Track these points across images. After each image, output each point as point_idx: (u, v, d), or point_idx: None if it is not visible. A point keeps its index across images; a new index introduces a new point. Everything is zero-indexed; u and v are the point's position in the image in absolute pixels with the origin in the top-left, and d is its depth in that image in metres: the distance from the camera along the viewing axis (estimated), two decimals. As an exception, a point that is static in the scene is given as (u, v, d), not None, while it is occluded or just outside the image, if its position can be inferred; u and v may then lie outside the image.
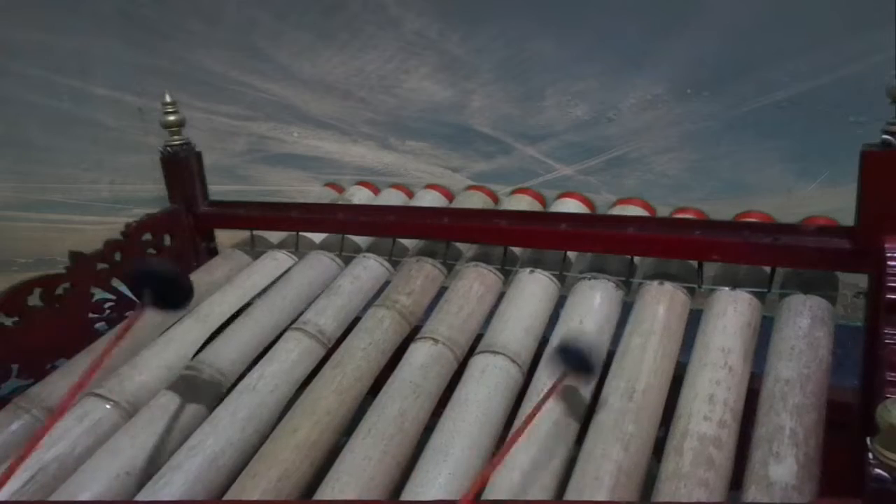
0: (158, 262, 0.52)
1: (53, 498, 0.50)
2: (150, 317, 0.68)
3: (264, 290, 0.71)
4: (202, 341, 0.64)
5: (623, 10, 1.06)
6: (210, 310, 0.68)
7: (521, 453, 0.48)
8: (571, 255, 0.67)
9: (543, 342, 0.59)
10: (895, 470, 0.31)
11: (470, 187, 0.82)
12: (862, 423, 0.49)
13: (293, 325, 0.64)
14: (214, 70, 1.29)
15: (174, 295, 0.50)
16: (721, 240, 0.57)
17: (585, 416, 0.51)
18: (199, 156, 0.80)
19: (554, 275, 0.64)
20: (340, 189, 0.90)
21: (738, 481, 0.45)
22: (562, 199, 0.74)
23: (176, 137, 0.78)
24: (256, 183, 1.36)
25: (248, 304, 0.69)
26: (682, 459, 0.45)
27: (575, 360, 0.47)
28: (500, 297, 0.64)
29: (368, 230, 0.75)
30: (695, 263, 0.59)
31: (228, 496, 0.49)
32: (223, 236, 0.82)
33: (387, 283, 0.70)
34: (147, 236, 0.76)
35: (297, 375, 0.60)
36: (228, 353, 0.62)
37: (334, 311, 0.66)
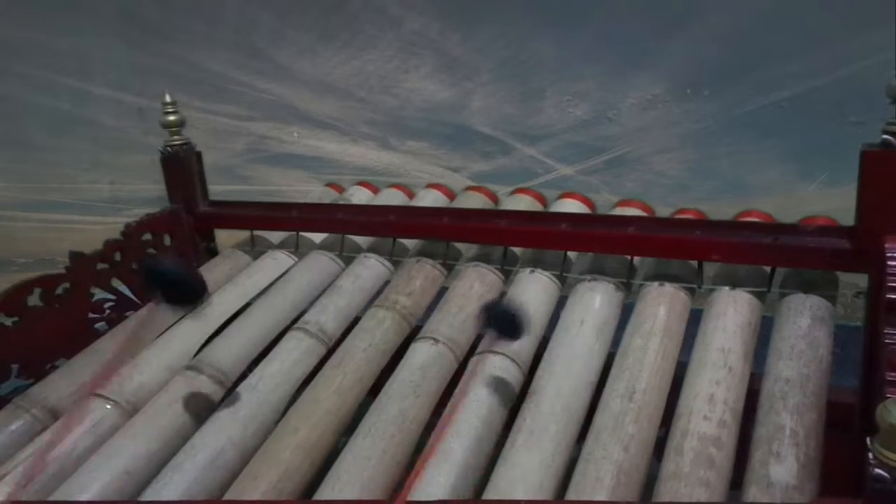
0: (170, 261, 0.51)
1: (53, 498, 0.50)
2: (151, 316, 0.69)
3: (264, 290, 0.71)
4: (202, 341, 0.64)
5: (623, 10, 1.06)
6: (210, 310, 0.68)
7: (523, 453, 0.48)
8: (571, 255, 0.67)
9: (544, 342, 0.59)
10: (895, 470, 0.31)
11: (470, 188, 0.81)
12: (862, 423, 0.49)
13: (295, 325, 0.64)
14: (214, 70, 1.29)
15: (186, 293, 0.49)
16: (721, 240, 0.57)
17: (586, 416, 0.51)
18: (199, 156, 0.80)
19: (554, 275, 0.64)
20: (340, 189, 0.90)
21: (738, 481, 0.45)
22: (562, 200, 0.74)
23: (176, 137, 0.78)
24: (256, 183, 1.36)
25: (248, 304, 0.69)
26: (683, 459, 0.45)
27: (501, 322, 0.49)
28: (501, 297, 0.64)
29: (368, 230, 0.75)
30: (695, 263, 0.59)
31: (229, 496, 0.49)
32: (223, 236, 0.82)
33: (387, 282, 0.70)
34: (147, 236, 0.76)
35: (297, 375, 0.60)
36: (229, 352, 0.62)
37: (335, 311, 0.66)
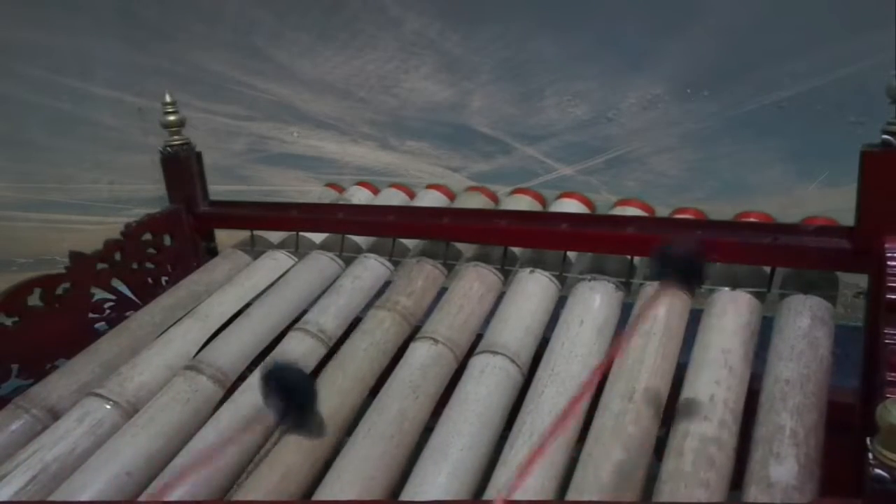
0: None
1: (53, 498, 0.50)
2: (150, 316, 0.69)
3: (264, 291, 0.71)
4: (202, 341, 0.64)
5: (623, 10, 1.06)
6: (210, 310, 0.68)
7: (523, 453, 0.48)
8: (571, 255, 0.67)
9: (543, 342, 0.59)
10: (895, 470, 0.31)
11: (470, 188, 0.82)
12: (862, 423, 0.49)
13: (295, 325, 0.64)
14: (214, 70, 1.29)
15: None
16: (721, 240, 0.57)
17: (587, 416, 0.51)
18: (199, 156, 0.80)
19: (554, 275, 0.64)
20: (340, 189, 0.90)
21: (738, 481, 0.45)
22: (562, 199, 0.74)
23: (176, 137, 0.78)
24: (256, 183, 1.36)
25: (248, 304, 0.69)
26: (683, 459, 0.45)
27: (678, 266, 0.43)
28: (500, 297, 0.64)
29: (368, 230, 0.75)
30: (695, 263, 0.59)
31: (229, 497, 0.49)
32: (223, 236, 0.82)
33: (388, 282, 0.70)
34: (147, 236, 0.76)
35: (297, 375, 0.60)
36: (229, 352, 0.62)
37: (336, 311, 0.66)
